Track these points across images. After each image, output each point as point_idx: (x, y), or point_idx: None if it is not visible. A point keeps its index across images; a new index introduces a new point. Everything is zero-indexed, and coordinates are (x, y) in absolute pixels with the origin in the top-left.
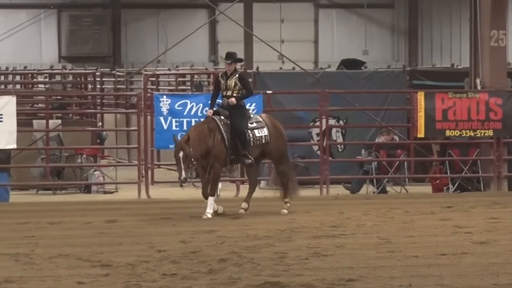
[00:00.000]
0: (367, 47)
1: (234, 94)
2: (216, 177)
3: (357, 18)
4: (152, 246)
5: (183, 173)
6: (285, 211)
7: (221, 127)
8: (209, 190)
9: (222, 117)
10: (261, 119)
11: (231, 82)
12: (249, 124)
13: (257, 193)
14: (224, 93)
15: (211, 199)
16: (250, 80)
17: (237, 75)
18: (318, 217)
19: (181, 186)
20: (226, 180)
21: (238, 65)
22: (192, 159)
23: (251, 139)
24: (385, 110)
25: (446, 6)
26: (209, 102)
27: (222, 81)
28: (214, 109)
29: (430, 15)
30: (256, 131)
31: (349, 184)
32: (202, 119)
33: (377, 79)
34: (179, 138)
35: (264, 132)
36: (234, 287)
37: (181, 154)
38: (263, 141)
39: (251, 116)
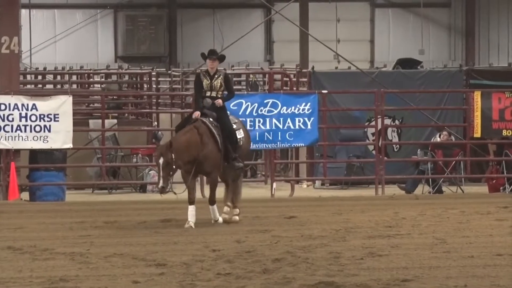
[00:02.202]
0: (424, 46)
1: (219, 95)
2: (216, 184)
3: (413, 17)
4: (207, 245)
5: (162, 181)
6: (237, 217)
7: (213, 130)
8: (210, 197)
9: (211, 119)
10: (236, 120)
11: (217, 82)
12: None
13: (312, 192)
14: (208, 94)
15: (214, 207)
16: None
17: (222, 76)
18: (373, 217)
19: (161, 194)
20: (281, 179)
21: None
22: (174, 166)
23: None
24: (441, 109)
25: (503, 4)
26: (194, 102)
27: (206, 81)
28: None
29: (487, 14)
30: (236, 132)
31: (404, 184)
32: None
33: (433, 79)
34: (159, 135)
35: (241, 133)
36: (289, 286)
37: (161, 160)
38: (240, 143)
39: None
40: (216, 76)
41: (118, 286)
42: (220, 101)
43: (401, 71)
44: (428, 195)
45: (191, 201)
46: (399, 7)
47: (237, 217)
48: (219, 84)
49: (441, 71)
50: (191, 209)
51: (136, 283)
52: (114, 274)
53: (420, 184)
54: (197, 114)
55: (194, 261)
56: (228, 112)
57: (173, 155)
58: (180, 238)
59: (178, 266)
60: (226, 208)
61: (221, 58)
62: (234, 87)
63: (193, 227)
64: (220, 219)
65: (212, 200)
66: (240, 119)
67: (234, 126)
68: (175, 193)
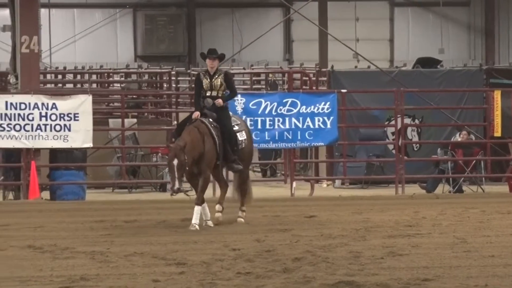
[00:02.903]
0: (443, 45)
1: (220, 95)
2: (206, 184)
3: (433, 16)
4: (227, 244)
5: (177, 183)
6: (242, 220)
7: (212, 130)
8: (196, 199)
9: (211, 120)
10: (239, 122)
11: (217, 81)
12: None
13: (331, 191)
14: (208, 93)
15: (198, 209)
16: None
17: (222, 74)
18: (393, 217)
19: (172, 195)
20: (301, 179)
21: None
22: (187, 168)
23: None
24: (461, 109)
25: None
26: (194, 103)
27: (206, 81)
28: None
29: (507, 12)
30: (238, 134)
31: (425, 183)
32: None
33: (453, 78)
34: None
35: (243, 135)
36: (309, 286)
37: (175, 162)
38: (242, 146)
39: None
40: (216, 75)
41: (138, 285)
42: (220, 100)
43: (421, 70)
44: (449, 194)
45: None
46: (418, 6)
47: (242, 219)
48: (219, 83)
49: (460, 70)
50: (197, 210)
51: (156, 282)
52: (134, 273)
53: (440, 184)
54: (196, 114)
55: (214, 260)
56: (230, 113)
57: (185, 156)
58: (200, 237)
59: (198, 265)
60: (218, 206)
61: (221, 57)
62: (254, 86)
63: (198, 228)
64: (197, 226)
65: (200, 201)
66: (260, 118)
67: (236, 128)
68: (187, 195)
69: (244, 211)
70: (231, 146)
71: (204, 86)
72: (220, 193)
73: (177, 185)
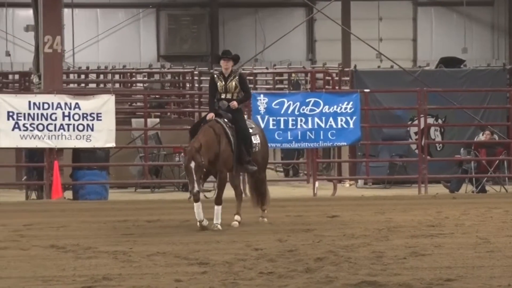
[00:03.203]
0: (466, 45)
1: (234, 97)
2: (224, 184)
3: (456, 16)
4: (249, 244)
5: (196, 185)
6: (266, 219)
7: (227, 130)
8: (216, 198)
9: (226, 120)
10: (253, 125)
11: (231, 84)
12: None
13: (354, 191)
14: (223, 96)
15: (218, 208)
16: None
17: (237, 77)
18: (416, 216)
19: (189, 198)
20: (324, 179)
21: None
22: (204, 169)
23: (256, 148)
24: (484, 108)
25: None
26: (208, 105)
27: (220, 83)
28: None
29: None
30: (252, 137)
31: (449, 182)
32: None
33: (476, 78)
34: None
35: (257, 139)
36: (331, 286)
37: (192, 164)
38: (256, 149)
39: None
40: (231, 77)
41: (160, 285)
42: (235, 103)
43: (444, 70)
44: (472, 194)
45: (197, 198)
46: (441, 6)
47: (266, 219)
48: (234, 85)
49: (484, 70)
50: (219, 210)
51: (179, 282)
52: (157, 273)
53: (463, 184)
54: (211, 115)
55: (237, 260)
56: (245, 116)
57: (202, 157)
58: (223, 237)
59: (221, 265)
60: (237, 217)
61: (235, 58)
62: (277, 86)
63: (221, 228)
64: (219, 226)
65: (219, 201)
66: (283, 117)
67: (250, 131)
68: (206, 197)
69: (265, 210)
70: (246, 147)
71: (219, 88)
72: (236, 203)
73: (196, 188)
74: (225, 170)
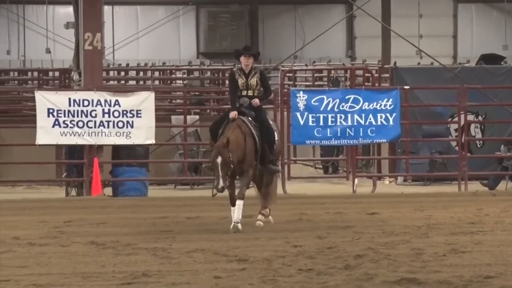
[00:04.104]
0: (507, 41)
1: (255, 94)
2: (249, 182)
3: (497, 12)
4: (288, 241)
5: (221, 181)
6: (270, 217)
7: (252, 129)
8: (239, 193)
9: (250, 118)
10: (271, 122)
11: (253, 81)
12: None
13: (394, 188)
14: (244, 93)
15: (240, 203)
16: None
17: (257, 74)
18: (456, 214)
19: (214, 195)
20: (363, 176)
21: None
22: (231, 166)
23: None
24: None
25: None
26: (230, 102)
27: (241, 80)
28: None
29: None
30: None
31: (486, 180)
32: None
33: None
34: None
35: (276, 136)
36: (371, 283)
37: (219, 159)
38: (274, 147)
39: None
40: (251, 74)
41: (200, 282)
42: (257, 100)
43: (484, 67)
44: None
45: (234, 201)
46: (482, 2)
47: (261, 223)
48: (255, 82)
49: None
50: (240, 204)
51: (218, 278)
52: (196, 270)
53: (503, 181)
54: (234, 114)
55: (276, 257)
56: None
57: (230, 154)
58: (262, 234)
59: (260, 262)
60: (260, 216)
61: (256, 55)
62: (316, 83)
63: (240, 228)
64: (239, 225)
65: (242, 194)
66: (322, 114)
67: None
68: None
69: (264, 215)
70: (270, 146)
71: (240, 86)
72: (261, 202)
73: (221, 184)
74: (251, 169)
